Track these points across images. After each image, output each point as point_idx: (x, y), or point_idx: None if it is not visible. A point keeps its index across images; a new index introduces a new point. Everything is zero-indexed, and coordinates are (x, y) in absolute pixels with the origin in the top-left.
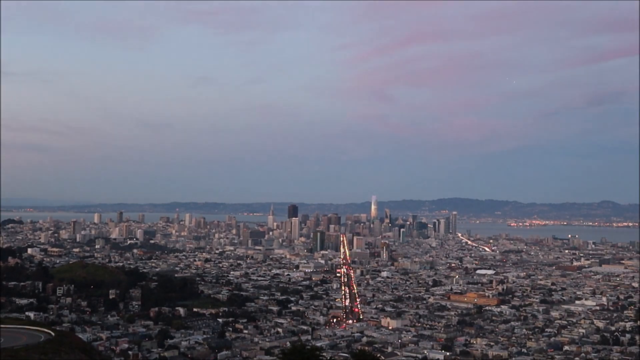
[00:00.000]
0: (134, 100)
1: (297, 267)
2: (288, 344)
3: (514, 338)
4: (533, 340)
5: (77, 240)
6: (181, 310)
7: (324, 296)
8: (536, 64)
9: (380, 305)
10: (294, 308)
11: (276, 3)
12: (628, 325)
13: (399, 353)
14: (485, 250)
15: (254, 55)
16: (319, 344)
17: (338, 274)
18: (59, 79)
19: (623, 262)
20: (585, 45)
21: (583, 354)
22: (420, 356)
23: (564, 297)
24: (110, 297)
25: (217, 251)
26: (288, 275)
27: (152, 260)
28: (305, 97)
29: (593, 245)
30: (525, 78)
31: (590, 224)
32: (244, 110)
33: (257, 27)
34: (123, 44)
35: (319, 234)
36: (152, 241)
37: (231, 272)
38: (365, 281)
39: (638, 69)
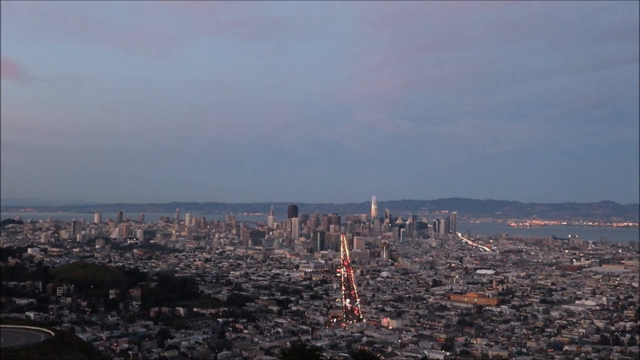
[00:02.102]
0: (145, 103)
1: (297, 267)
2: (288, 344)
3: (514, 338)
4: (533, 340)
5: (77, 240)
6: (181, 310)
7: (324, 296)
8: (540, 70)
9: (380, 305)
10: (294, 308)
11: (298, 14)
12: (628, 325)
13: (399, 353)
14: (485, 250)
15: (273, 63)
16: (319, 344)
17: (338, 274)
18: (77, 84)
19: (623, 262)
20: (587, 53)
21: (583, 354)
22: (420, 356)
23: (564, 297)
24: (110, 297)
25: (217, 251)
26: (288, 275)
27: (152, 260)
28: (315, 100)
29: (593, 245)
30: (528, 83)
31: (590, 224)
32: (251, 112)
33: (279, 36)
34: (148, 52)
35: (319, 234)
36: (152, 241)
37: (231, 272)
38: (365, 281)
39: (638, 75)
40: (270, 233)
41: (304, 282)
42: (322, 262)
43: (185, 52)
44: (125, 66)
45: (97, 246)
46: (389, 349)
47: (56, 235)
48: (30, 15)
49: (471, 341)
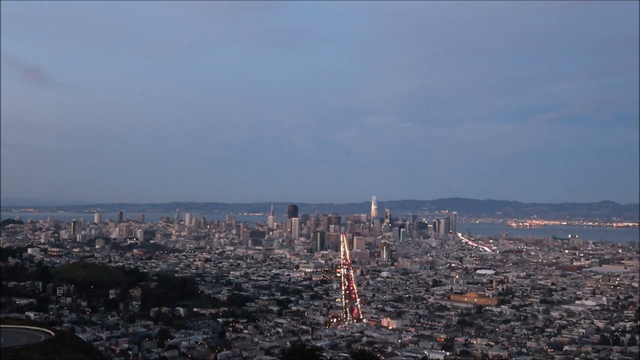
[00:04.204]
0: (156, 106)
1: (297, 267)
2: (288, 344)
3: (514, 338)
4: (533, 340)
5: (77, 240)
6: (181, 310)
7: (324, 296)
8: (542, 76)
9: (380, 305)
10: (294, 308)
11: (317, 25)
12: (628, 325)
13: (399, 353)
14: (485, 250)
15: (289, 69)
16: (319, 344)
17: (338, 274)
18: (94, 89)
19: (623, 262)
20: (589, 61)
21: (583, 354)
22: (420, 356)
23: (564, 297)
24: (110, 297)
25: (217, 251)
26: (288, 275)
27: (152, 260)
28: (327, 105)
29: (593, 245)
30: (530, 89)
31: (590, 224)
32: (261, 115)
33: (298, 45)
34: (170, 60)
35: (319, 234)
36: (152, 241)
37: (231, 272)
38: (365, 281)
39: (638, 80)
40: (270, 233)
41: (304, 282)
42: (322, 262)
43: (206, 60)
44: (144, 72)
45: (97, 246)
46: (389, 349)
47: (56, 235)
48: (57, 24)
49: (471, 341)
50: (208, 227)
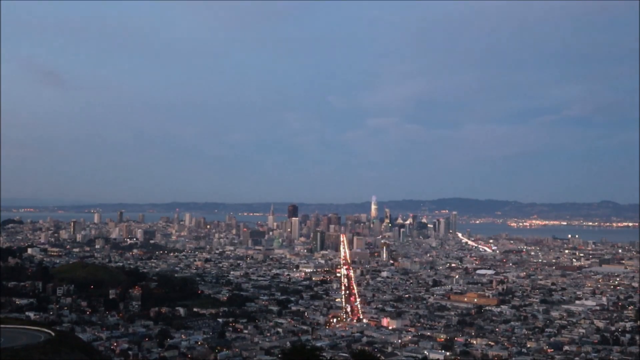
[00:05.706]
0: (161, 108)
1: (297, 267)
2: (288, 344)
3: (514, 338)
4: (533, 340)
5: (77, 240)
6: (181, 310)
7: (324, 296)
8: (544, 80)
9: (380, 305)
10: (294, 308)
11: (327, 29)
12: (628, 325)
13: (399, 353)
14: (485, 250)
15: (301, 72)
16: (319, 344)
17: (338, 274)
18: (104, 92)
19: (623, 262)
20: (589, 64)
21: (583, 354)
22: (420, 356)
23: (564, 297)
24: (110, 297)
25: (217, 251)
26: (288, 275)
27: (152, 260)
28: (334, 107)
29: (593, 245)
30: (534, 91)
31: (590, 224)
32: (270, 117)
33: (309, 48)
34: (180, 63)
35: (319, 234)
36: (152, 241)
37: (231, 272)
38: (365, 281)
39: (637, 84)
40: (270, 233)
41: (304, 282)
42: (322, 262)
43: (212, 63)
44: (152, 74)
45: (97, 246)
46: (389, 349)
47: (56, 235)
48: (76, 29)
49: (471, 341)
50: (208, 227)
